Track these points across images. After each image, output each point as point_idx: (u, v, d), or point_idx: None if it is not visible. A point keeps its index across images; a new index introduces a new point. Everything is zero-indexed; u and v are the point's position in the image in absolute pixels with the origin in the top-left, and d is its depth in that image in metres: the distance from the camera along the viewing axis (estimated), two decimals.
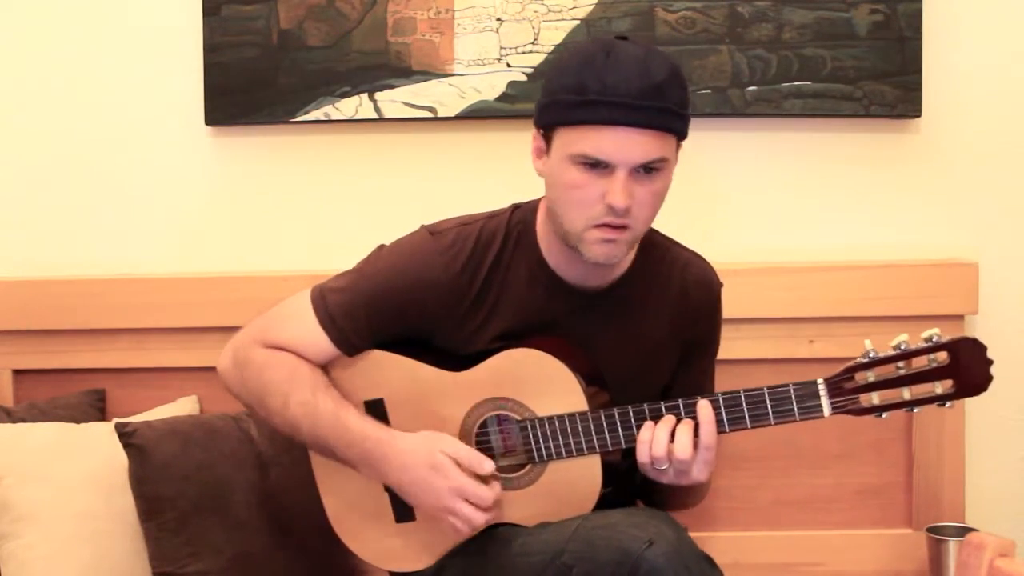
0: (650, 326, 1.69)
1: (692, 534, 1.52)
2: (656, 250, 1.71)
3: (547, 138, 1.56)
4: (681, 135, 1.55)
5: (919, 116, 2.19)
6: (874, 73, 2.16)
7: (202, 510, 1.82)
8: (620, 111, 1.46)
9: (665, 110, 1.48)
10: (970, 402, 2.16)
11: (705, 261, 1.76)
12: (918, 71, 2.16)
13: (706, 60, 2.17)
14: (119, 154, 2.27)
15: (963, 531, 2.02)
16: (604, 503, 1.61)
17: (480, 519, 1.56)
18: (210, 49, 2.20)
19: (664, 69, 1.49)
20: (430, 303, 1.62)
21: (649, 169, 1.50)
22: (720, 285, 1.76)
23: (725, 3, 2.16)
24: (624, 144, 1.47)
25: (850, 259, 2.19)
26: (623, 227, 1.52)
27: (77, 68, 2.26)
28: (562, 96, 1.51)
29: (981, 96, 2.21)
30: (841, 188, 2.23)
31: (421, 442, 1.59)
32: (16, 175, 2.29)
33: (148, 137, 2.26)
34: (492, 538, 1.61)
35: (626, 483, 1.71)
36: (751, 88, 2.17)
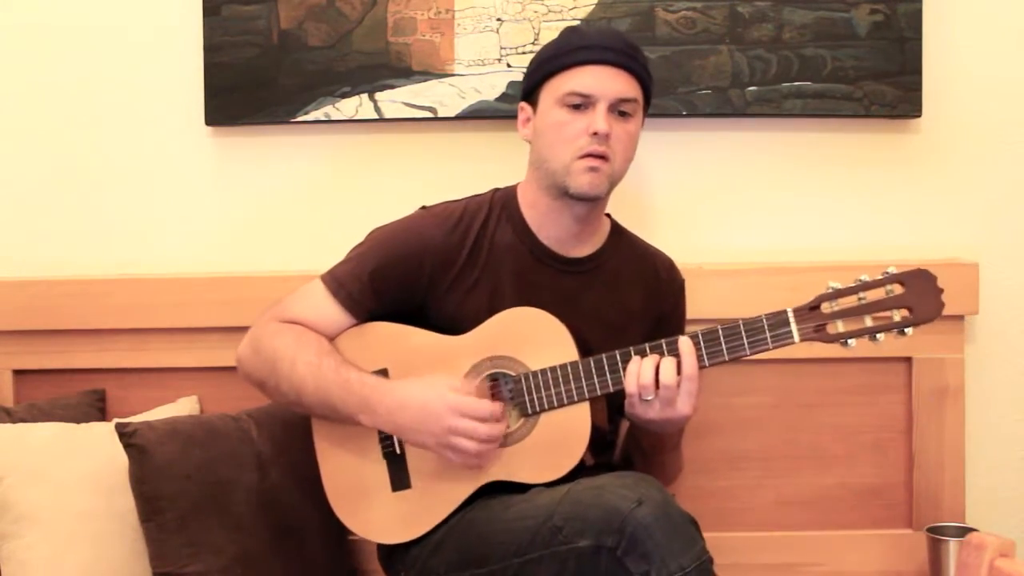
0: (625, 296, 1.83)
1: None
2: (626, 236, 1.90)
3: (533, 103, 1.78)
4: (647, 92, 1.78)
5: (919, 116, 2.19)
6: (874, 73, 2.16)
7: (202, 510, 1.82)
8: (600, 52, 1.71)
9: (636, 59, 1.74)
10: (970, 402, 2.17)
11: (669, 257, 1.93)
12: (918, 71, 2.16)
13: (706, 60, 2.17)
14: (119, 154, 2.27)
15: (963, 531, 2.02)
16: (586, 475, 1.66)
17: (482, 430, 1.62)
18: (210, 49, 2.20)
19: (632, 40, 1.78)
20: (427, 262, 1.75)
21: (623, 113, 1.73)
22: (683, 279, 1.92)
23: (725, 3, 2.16)
24: (604, 80, 1.71)
25: (850, 259, 2.19)
26: (604, 157, 1.71)
27: (77, 68, 2.26)
28: (546, 55, 1.76)
29: (981, 96, 2.21)
30: (841, 188, 2.23)
31: (420, 382, 1.68)
32: (16, 175, 2.29)
33: (148, 137, 2.26)
34: (488, 508, 1.67)
35: (608, 456, 1.82)
36: (751, 88, 2.17)
